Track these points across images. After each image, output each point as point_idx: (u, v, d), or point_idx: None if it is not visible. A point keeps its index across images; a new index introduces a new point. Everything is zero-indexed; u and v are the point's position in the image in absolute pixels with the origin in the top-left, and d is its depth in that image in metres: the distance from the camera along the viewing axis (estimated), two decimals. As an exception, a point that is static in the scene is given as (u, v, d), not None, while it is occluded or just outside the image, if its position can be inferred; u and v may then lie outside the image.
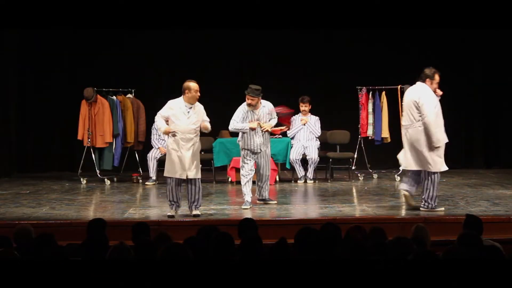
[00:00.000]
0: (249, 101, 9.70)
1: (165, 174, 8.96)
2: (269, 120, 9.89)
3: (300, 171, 12.47)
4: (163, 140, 12.57)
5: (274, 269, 4.47)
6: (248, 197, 9.66)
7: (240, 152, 9.91)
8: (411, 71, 13.97)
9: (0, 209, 9.47)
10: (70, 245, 5.96)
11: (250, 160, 9.77)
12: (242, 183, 9.75)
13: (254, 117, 9.76)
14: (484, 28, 13.00)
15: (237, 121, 9.76)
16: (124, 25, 12.25)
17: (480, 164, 14.73)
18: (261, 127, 9.74)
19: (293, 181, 12.50)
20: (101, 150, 12.62)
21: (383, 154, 13.92)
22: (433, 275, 4.36)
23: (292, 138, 12.64)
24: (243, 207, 9.59)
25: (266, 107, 9.87)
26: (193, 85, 8.87)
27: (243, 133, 9.75)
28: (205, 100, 14.76)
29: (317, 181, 12.49)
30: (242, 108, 9.80)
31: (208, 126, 9.11)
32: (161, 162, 12.51)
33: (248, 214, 9.00)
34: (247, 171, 9.75)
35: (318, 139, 12.75)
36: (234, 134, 12.92)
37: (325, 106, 13.69)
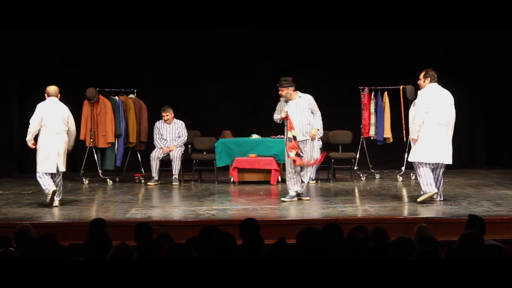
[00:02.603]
0: (279, 92, 10.08)
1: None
2: (311, 115, 10.19)
3: (302, 171, 12.45)
4: (165, 140, 12.58)
5: (276, 269, 4.46)
6: (291, 191, 10.10)
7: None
8: (413, 71, 14.03)
9: (2, 210, 9.47)
10: (72, 245, 5.97)
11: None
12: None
13: (288, 108, 10.02)
14: (486, 27, 12.97)
15: (276, 113, 10.19)
16: (126, 25, 12.24)
17: (482, 164, 14.72)
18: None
19: (295, 181, 12.47)
20: (103, 150, 12.63)
21: (385, 154, 13.92)
22: (435, 275, 4.36)
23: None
24: (282, 198, 10.16)
25: (303, 98, 10.12)
26: None
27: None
28: (207, 100, 14.84)
29: (319, 181, 12.49)
30: (279, 102, 10.18)
31: None
32: (163, 162, 12.54)
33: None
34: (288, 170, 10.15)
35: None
36: (237, 134, 12.99)
37: (327, 107, 13.65)
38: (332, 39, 14.31)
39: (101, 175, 12.59)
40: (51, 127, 9.78)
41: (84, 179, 12.51)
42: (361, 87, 13.01)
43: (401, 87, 12.74)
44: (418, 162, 9.59)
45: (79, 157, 13.04)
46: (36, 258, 5.07)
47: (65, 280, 4.40)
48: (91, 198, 10.85)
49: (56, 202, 9.74)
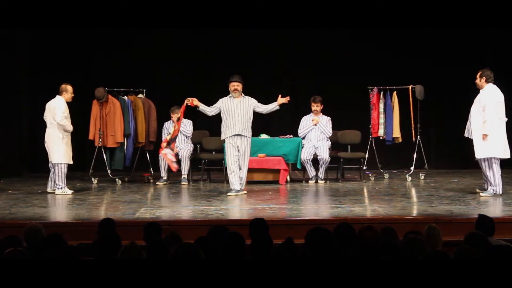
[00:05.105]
0: (236, 87, 11.08)
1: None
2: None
3: (311, 171, 12.45)
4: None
5: (284, 269, 4.46)
6: (236, 185, 10.80)
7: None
8: (422, 71, 14.04)
9: (11, 209, 9.49)
10: (81, 245, 5.98)
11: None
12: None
13: (232, 105, 11.08)
14: (497, 27, 12.90)
15: (213, 108, 11.34)
16: (135, 25, 12.25)
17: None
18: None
19: (304, 181, 12.48)
20: (112, 150, 12.65)
21: (394, 154, 13.91)
22: (444, 275, 4.35)
23: (303, 138, 12.62)
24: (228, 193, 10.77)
25: (246, 98, 11.08)
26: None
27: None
28: (215, 99, 14.86)
29: (328, 181, 12.47)
30: (221, 99, 11.23)
31: None
32: (172, 162, 12.54)
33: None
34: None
35: (329, 139, 12.72)
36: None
37: (336, 106, 13.65)
38: (341, 39, 14.29)
39: (110, 175, 12.61)
40: (47, 122, 11.18)
41: (93, 179, 12.54)
42: (370, 87, 12.99)
43: (410, 86, 12.71)
44: (493, 158, 10.07)
45: (88, 157, 13.09)
46: (45, 257, 5.07)
47: (74, 280, 4.40)
48: (100, 198, 10.86)
49: (49, 189, 11.18)
